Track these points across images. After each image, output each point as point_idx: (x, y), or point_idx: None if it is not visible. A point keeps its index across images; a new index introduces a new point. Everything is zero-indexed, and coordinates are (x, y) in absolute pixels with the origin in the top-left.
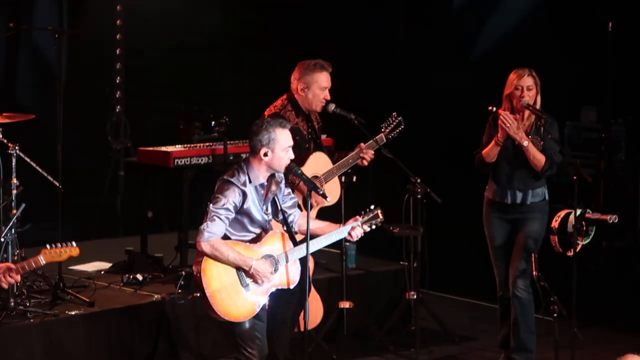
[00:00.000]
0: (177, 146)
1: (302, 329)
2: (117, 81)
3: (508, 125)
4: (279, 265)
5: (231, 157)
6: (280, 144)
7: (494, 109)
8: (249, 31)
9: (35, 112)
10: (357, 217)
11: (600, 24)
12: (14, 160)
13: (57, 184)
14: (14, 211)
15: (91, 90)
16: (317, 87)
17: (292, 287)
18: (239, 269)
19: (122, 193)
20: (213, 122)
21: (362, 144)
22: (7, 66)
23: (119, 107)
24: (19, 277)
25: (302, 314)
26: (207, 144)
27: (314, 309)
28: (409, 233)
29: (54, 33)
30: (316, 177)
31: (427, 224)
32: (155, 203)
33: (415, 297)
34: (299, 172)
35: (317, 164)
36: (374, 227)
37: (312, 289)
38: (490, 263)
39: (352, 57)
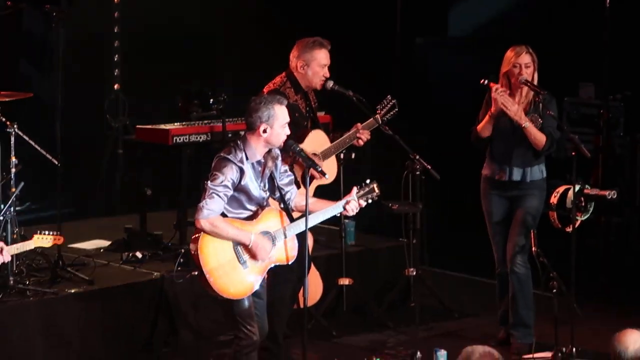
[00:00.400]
0: (175, 124)
1: (301, 305)
2: (115, 59)
3: (508, 108)
4: (277, 241)
5: (229, 135)
6: (279, 121)
7: (486, 81)
8: (247, 8)
9: (34, 90)
10: (353, 191)
11: None
12: (12, 139)
13: (56, 162)
14: (13, 189)
15: (89, 69)
16: (316, 65)
17: (290, 262)
18: (236, 245)
19: (121, 171)
20: (211, 100)
21: (358, 124)
22: (5, 44)
23: (117, 85)
24: (8, 257)
25: (301, 290)
26: (206, 121)
27: (314, 286)
28: (407, 210)
29: (51, 11)
30: (315, 154)
31: (426, 200)
32: (154, 181)
33: (414, 273)
34: (298, 149)
35: (316, 141)
36: (370, 201)
37: (312, 266)
38: (489, 239)
39: (347, 37)
